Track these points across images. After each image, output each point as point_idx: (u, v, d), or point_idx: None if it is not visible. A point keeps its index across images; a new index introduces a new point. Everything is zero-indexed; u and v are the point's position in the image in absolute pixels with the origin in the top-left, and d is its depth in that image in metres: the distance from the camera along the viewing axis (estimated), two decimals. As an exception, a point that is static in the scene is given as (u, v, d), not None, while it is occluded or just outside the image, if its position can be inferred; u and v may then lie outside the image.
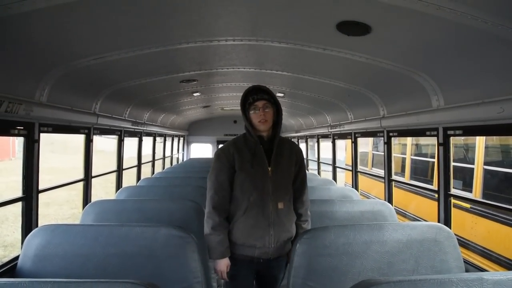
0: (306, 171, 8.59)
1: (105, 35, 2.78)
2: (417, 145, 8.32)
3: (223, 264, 2.43)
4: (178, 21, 2.71)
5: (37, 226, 3.14)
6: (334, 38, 2.74)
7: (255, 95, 2.48)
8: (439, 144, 3.42)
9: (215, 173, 2.50)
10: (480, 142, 5.68)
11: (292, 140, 11.68)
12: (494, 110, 2.61)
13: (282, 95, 6.14)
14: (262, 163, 2.46)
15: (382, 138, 4.69)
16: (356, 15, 2.35)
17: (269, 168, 2.46)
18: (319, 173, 8.12)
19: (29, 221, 3.13)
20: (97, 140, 4.75)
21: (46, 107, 3.20)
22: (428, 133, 3.58)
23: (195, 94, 6.11)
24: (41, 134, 3.30)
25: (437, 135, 3.44)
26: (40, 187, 3.32)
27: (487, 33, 2.11)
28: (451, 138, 3.37)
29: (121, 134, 5.67)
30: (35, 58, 2.78)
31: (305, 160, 9.88)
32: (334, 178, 7.05)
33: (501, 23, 1.98)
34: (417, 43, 2.66)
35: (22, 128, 3.04)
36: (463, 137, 6.10)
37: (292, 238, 2.57)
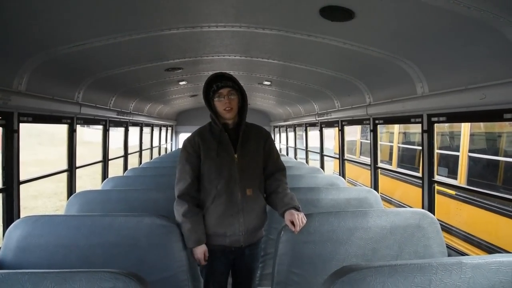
0: (296, 159, 8.67)
1: (85, 21, 2.69)
2: (404, 133, 8.38)
3: (200, 252, 2.38)
4: (159, 6, 2.64)
5: (19, 217, 3.09)
6: (318, 24, 2.71)
7: (219, 83, 2.45)
8: (423, 131, 3.43)
9: (181, 164, 2.47)
10: (465, 129, 5.74)
11: (281, 128, 11.67)
12: (476, 96, 2.62)
13: (269, 83, 6.09)
14: (227, 150, 2.44)
15: (368, 126, 4.71)
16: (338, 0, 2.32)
17: (235, 155, 2.44)
18: (307, 161, 8.15)
19: (10, 212, 3.08)
20: (86, 131, 4.70)
21: (25, 96, 3.12)
22: (413, 120, 3.59)
23: (181, 83, 6.04)
24: (23, 124, 3.23)
25: (421, 122, 3.45)
26: (22, 178, 3.26)
27: (470, 19, 2.11)
28: (436, 125, 3.39)
29: (106, 124, 5.59)
30: (12, 46, 2.69)
31: (293, 149, 9.99)
32: (322, 166, 7.07)
33: (484, 8, 1.97)
34: (401, 30, 2.65)
35: (0, 118, 2.97)
36: (448, 124, 6.17)
37: (263, 225, 2.56)
